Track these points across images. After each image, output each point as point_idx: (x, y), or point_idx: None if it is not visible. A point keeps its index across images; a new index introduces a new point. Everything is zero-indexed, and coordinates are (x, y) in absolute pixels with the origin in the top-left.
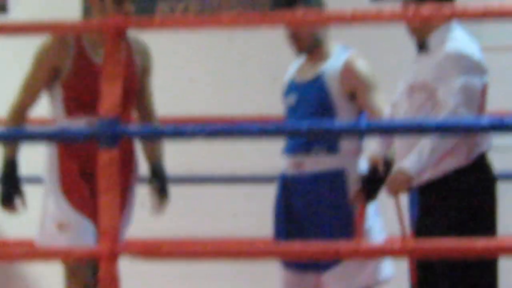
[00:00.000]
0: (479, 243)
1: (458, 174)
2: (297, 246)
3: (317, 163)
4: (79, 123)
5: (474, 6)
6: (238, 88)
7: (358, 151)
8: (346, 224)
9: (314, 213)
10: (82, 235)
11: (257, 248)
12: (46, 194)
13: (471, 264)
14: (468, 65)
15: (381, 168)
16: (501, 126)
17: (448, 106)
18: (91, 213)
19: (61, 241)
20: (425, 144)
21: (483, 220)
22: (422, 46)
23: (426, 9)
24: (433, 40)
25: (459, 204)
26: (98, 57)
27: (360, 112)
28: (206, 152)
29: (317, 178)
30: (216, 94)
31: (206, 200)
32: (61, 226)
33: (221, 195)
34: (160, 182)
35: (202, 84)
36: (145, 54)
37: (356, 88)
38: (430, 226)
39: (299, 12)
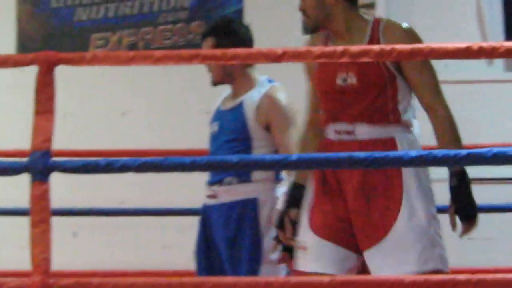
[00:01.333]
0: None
1: None
2: (228, 280)
3: (230, 193)
4: (329, 132)
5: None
6: (172, 121)
7: (272, 180)
8: (256, 252)
9: (228, 243)
10: (319, 260)
11: (186, 282)
12: None
13: None
14: None
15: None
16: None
17: None
18: (331, 234)
19: (302, 265)
20: None
21: None
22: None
23: (355, 48)
24: None
25: None
26: None
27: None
28: (137, 184)
29: (230, 208)
30: (149, 127)
31: (137, 232)
32: (303, 249)
33: (152, 227)
34: (458, 204)
35: (135, 117)
36: (400, 37)
37: (271, 120)
38: None
39: (230, 50)
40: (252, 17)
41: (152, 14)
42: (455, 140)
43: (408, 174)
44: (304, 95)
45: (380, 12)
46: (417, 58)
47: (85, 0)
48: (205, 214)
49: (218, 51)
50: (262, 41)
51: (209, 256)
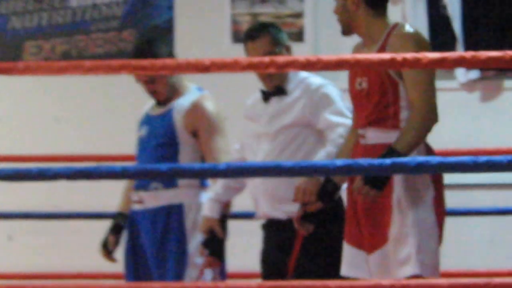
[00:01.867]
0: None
1: (335, 205)
2: (157, 285)
3: (156, 198)
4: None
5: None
6: (104, 127)
7: (198, 185)
8: (181, 257)
9: (155, 248)
10: (346, 264)
11: (117, 286)
12: None
13: None
14: (336, 93)
15: (218, 229)
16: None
17: (341, 125)
18: (355, 241)
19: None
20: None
21: None
22: (278, 91)
23: (280, 59)
24: (290, 84)
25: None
26: None
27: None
28: (71, 188)
29: (156, 214)
30: (82, 133)
31: (71, 235)
32: None
33: (86, 231)
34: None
35: (67, 123)
36: (403, 43)
37: (198, 127)
38: (311, 255)
39: (159, 61)
40: (183, 26)
41: (84, 23)
42: (413, 130)
43: (397, 182)
44: (235, 104)
45: (308, 21)
46: (343, 68)
47: (18, 8)
48: (132, 219)
49: (147, 62)
50: (192, 49)
51: (136, 261)
